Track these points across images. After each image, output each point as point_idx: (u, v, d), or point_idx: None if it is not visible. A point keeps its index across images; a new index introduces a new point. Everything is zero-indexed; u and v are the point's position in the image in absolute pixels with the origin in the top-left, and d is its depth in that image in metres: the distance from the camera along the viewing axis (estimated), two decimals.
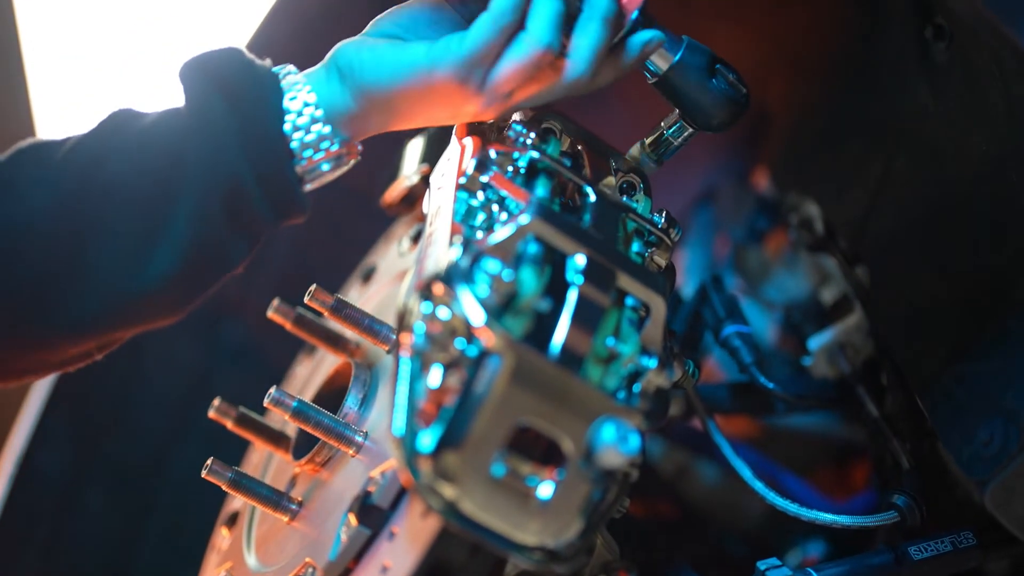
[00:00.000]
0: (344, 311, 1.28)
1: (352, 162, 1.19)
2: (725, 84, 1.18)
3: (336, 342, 1.39)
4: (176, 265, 1.12)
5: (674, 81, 1.19)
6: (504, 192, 1.12)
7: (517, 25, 1.13)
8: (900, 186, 1.41)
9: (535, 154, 1.16)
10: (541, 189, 1.15)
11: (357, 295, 1.53)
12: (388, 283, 1.46)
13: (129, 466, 1.90)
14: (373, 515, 1.10)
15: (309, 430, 1.22)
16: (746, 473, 1.35)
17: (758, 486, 1.34)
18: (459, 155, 1.18)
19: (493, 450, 0.98)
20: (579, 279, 1.05)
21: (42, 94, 1.95)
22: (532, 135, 1.18)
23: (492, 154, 1.16)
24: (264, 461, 1.46)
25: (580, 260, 1.06)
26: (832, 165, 1.57)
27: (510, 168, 1.16)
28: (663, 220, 1.19)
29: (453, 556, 1.04)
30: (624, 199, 1.21)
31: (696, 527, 1.57)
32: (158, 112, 1.15)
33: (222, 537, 1.44)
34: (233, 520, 1.44)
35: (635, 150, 1.25)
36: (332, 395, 1.37)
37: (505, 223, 1.09)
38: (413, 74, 1.14)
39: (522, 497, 0.99)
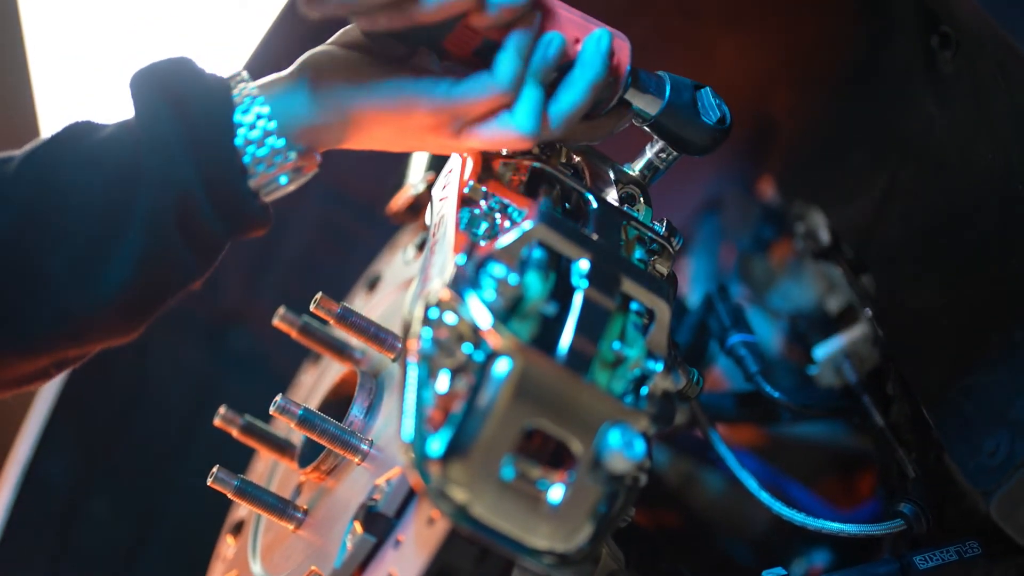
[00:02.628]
0: (350, 319, 1.28)
1: (311, 173, 1.16)
2: (711, 117, 1.19)
3: (342, 350, 1.39)
4: (128, 281, 1.09)
5: (663, 122, 1.19)
6: (507, 200, 1.13)
7: (509, 100, 1.12)
8: (906, 195, 1.41)
9: (537, 163, 1.16)
10: (544, 197, 1.15)
11: (362, 303, 1.53)
12: (393, 291, 1.46)
13: (135, 474, 1.91)
14: (378, 523, 1.10)
15: (315, 438, 1.22)
16: (751, 483, 1.35)
17: (763, 496, 1.33)
18: (462, 165, 1.19)
19: (502, 454, 0.98)
20: (584, 283, 1.05)
21: (46, 93, 1.96)
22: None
23: (495, 164, 1.17)
24: (269, 469, 1.46)
25: (584, 264, 1.06)
26: (838, 174, 1.57)
27: (513, 177, 1.16)
28: (664, 229, 1.20)
29: (459, 564, 1.04)
30: (625, 208, 1.21)
31: (701, 536, 1.57)
32: (112, 124, 1.12)
33: (227, 545, 1.44)
34: (238, 528, 1.44)
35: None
36: (337, 403, 1.37)
37: (509, 229, 1.09)
38: (394, 99, 1.12)
39: (532, 500, 1.00)
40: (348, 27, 1.17)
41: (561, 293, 1.05)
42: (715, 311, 1.50)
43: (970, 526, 1.31)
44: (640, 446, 1.00)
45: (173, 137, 1.09)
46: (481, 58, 1.13)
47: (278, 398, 1.22)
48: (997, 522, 1.19)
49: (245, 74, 1.15)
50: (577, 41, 1.13)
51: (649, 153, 1.24)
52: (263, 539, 1.37)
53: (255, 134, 1.11)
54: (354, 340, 1.34)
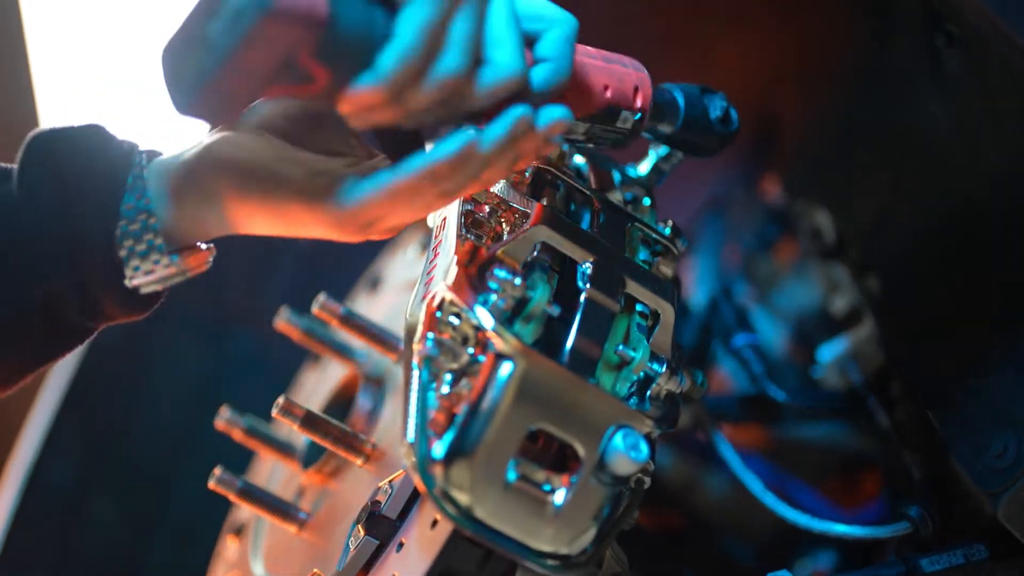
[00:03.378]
0: (352, 320, 1.27)
1: (201, 271, 1.07)
2: (722, 122, 1.17)
3: (344, 351, 1.39)
4: None
5: (678, 136, 1.17)
6: (511, 202, 1.12)
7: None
8: (912, 195, 1.40)
9: (540, 164, 1.16)
10: (547, 198, 1.14)
11: (364, 303, 1.52)
12: (396, 291, 1.46)
13: (137, 475, 1.90)
14: (381, 525, 1.09)
15: (317, 440, 1.22)
16: (756, 485, 1.34)
17: (768, 499, 1.33)
18: None
19: (506, 456, 0.98)
20: (588, 285, 1.05)
21: (45, 80, 1.95)
22: None
23: None
24: (271, 471, 1.46)
25: (588, 267, 1.06)
26: (843, 173, 1.57)
27: (516, 178, 1.16)
28: (669, 230, 1.19)
29: (462, 567, 1.04)
30: (630, 209, 1.21)
31: (705, 538, 1.57)
32: (7, 178, 1.04)
33: (229, 546, 1.44)
34: (240, 530, 1.43)
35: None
36: (340, 405, 1.36)
37: (513, 231, 1.09)
38: (280, 204, 1.02)
39: (536, 503, 0.99)
40: (258, 106, 1.07)
41: (565, 295, 1.05)
42: (719, 312, 1.50)
43: (977, 528, 1.30)
44: (644, 448, 1.00)
45: (49, 224, 1.02)
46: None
47: (280, 400, 1.22)
48: (1005, 524, 1.18)
49: (151, 154, 1.05)
50: (607, 88, 1.08)
51: (654, 156, 1.23)
52: (265, 540, 1.36)
53: (134, 228, 1.03)
54: (356, 341, 1.34)
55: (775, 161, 1.74)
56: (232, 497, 1.26)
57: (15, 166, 1.04)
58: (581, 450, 1.00)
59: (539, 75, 0.99)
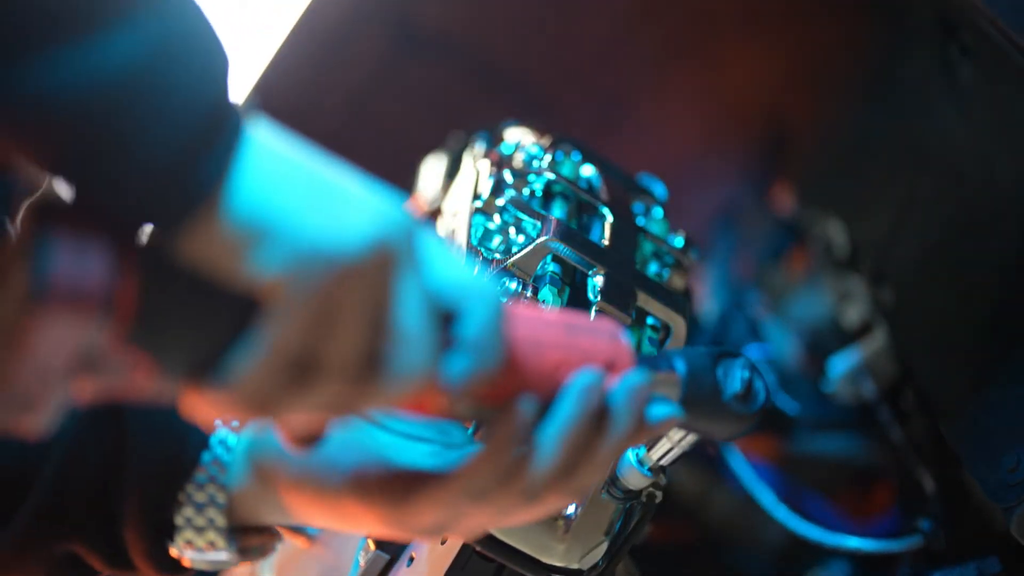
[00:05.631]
0: None
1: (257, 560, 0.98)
2: (742, 401, 0.91)
3: None
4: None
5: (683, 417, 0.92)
6: (521, 214, 1.12)
7: None
8: (925, 206, 1.40)
9: (551, 176, 1.15)
10: (558, 210, 1.14)
11: None
12: None
13: None
14: (392, 540, 1.09)
15: None
16: (768, 499, 1.34)
17: (780, 513, 1.32)
18: (474, 179, 1.18)
19: None
20: (599, 297, 1.04)
21: None
22: (547, 157, 1.17)
23: (508, 177, 1.15)
24: None
25: (599, 279, 1.05)
26: (856, 184, 1.56)
27: (526, 191, 1.15)
28: (680, 242, 1.19)
29: None
30: (640, 220, 1.20)
31: (716, 552, 1.56)
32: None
33: None
34: None
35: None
36: None
37: (523, 244, 1.08)
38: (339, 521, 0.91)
39: (548, 518, 0.99)
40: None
41: (576, 308, 1.04)
42: (731, 324, 1.49)
43: (990, 542, 1.29)
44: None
45: (103, 466, 0.92)
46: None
47: None
48: (1018, 539, 1.18)
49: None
50: (560, 367, 0.84)
51: (666, 443, 1.00)
52: (276, 554, 1.36)
53: (200, 498, 0.93)
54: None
55: (788, 171, 1.73)
56: None
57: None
58: None
59: (454, 367, 0.77)
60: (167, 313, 0.71)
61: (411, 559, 1.07)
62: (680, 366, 0.89)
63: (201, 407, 0.73)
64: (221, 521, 0.92)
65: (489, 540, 0.98)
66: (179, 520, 0.92)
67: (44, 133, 0.63)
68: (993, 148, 1.28)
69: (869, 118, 1.53)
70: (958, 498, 1.33)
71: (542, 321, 0.86)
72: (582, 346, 0.85)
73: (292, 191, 0.70)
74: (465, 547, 1.01)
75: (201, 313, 0.71)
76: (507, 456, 0.82)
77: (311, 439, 0.80)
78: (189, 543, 0.93)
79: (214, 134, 0.67)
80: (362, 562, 1.11)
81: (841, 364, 1.54)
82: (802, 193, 1.70)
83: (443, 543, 1.03)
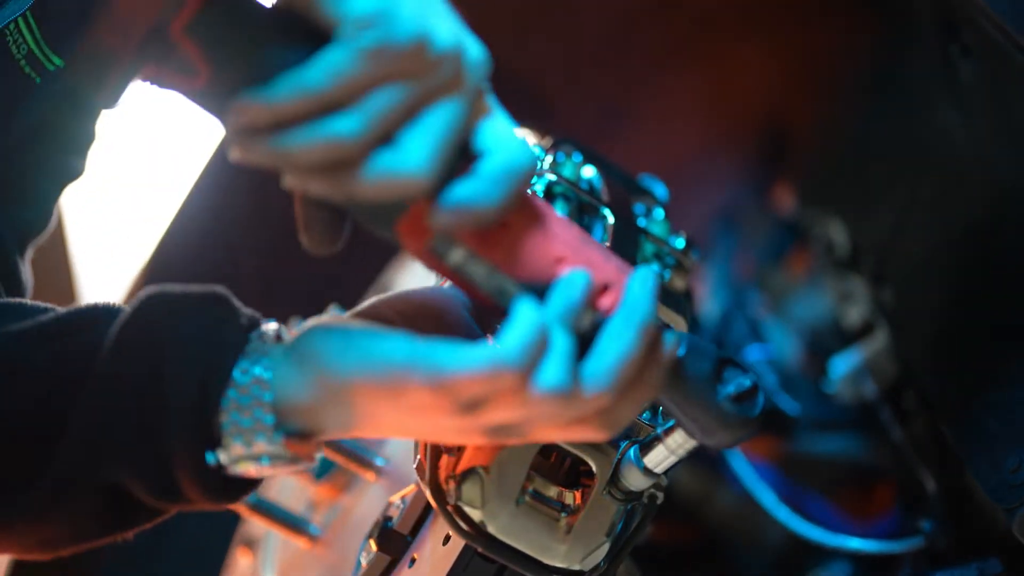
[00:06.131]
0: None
1: (303, 468, 0.90)
2: (736, 402, 0.90)
3: None
4: (40, 515, 0.89)
5: (670, 395, 0.91)
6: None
7: (520, 380, 0.83)
8: (927, 206, 1.40)
9: (552, 177, 1.15)
10: (559, 211, 1.14)
11: None
12: None
13: None
14: (393, 541, 1.09)
15: (330, 455, 1.21)
16: (769, 499, 1.34)
17: (781, 513, 1.33)
18: None
19: (519, 472, 0.98)
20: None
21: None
22: (548, 158, 1.17)
23: None
24: (281, 483, 1.46)
25: None
26: (857, 184, 1.56)
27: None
28: (681, 243, 1.19)
29: None
30: (641, 221, 1.20)
31: (718, 552, 1.56)
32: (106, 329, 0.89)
33: (240, 561, 1.44)
34: (252, 544, 1.43)
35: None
36: None
37: None
38: (382, 371, 0.84)
39: (549, 520, 0.99)
40: (374, 298, 0.98)
41: None
42: (732, 325, 1.49)
43: (991, 542, 1.29)
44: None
45: (134, 382, 0.87)
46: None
47: None
48: (1020, 539, 1.18)
49: (274, 329, 0.91)
50: (560, 261, 0.86)
51: (663, 451, 0.98)
52: (277, 555, 1.36)
53: (243, 396, 0.87)
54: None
55: (788, 171, 1.73)
56: (244, 512, 1.26)
57: (115, 320, 0.89)
58: (594, 465, 0.99)
59: (452, 190, 0.82)
60: (235, 25, 0.80)
61: (413, 560, 1.07)
62: (681, 347, 0.89)
63: (233, 121, 0.80)
64: (269, 419, 0.86)
65: (491, 541, 0.98)
66: (225, 422, 0.86)
67: None
68: (994, 148, 1.28)
69: (870, 119, 1.53)
70: (959, 499, 1.33)
71: (564, 220, 0.88)
72: (589, 256, 0.86)
73: None
74: (467, 548, 1.01)
75: (265, 36, 0.80)
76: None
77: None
78: (236, 443, 0.86)
79: None
80: (364, 563, 1.11)
81: (842, 364, 1.54)
82: (803, 193, 1.70)
83: (445, 542, 1.04)
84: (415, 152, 0.80)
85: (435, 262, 0.86)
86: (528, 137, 1.24)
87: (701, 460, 1.54)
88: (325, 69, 0.79)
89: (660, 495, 1.02)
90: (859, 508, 1.55)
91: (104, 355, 0.88)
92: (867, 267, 1.54)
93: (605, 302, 0.86)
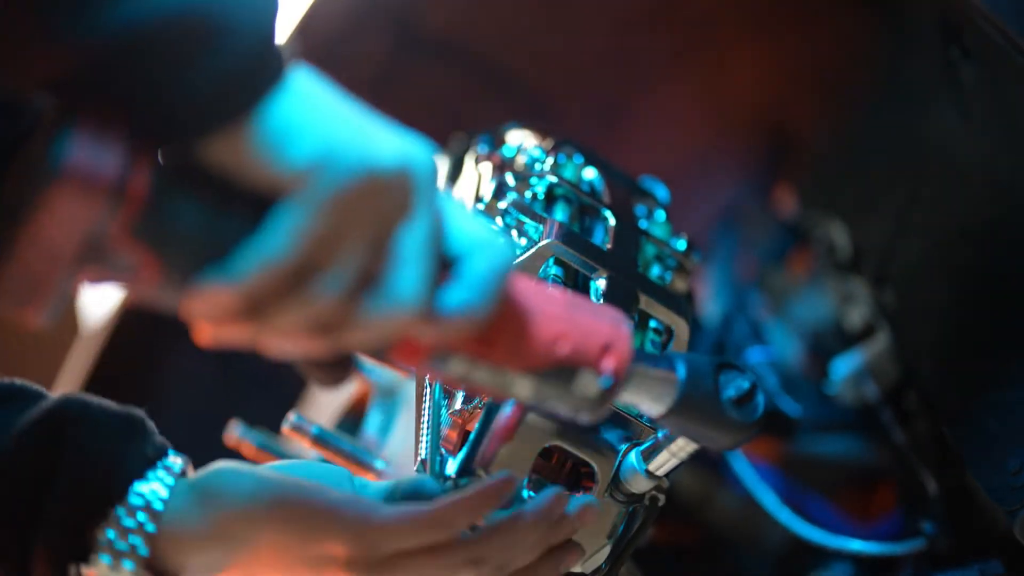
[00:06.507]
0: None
1: None
2: (737, 406, 0.91)
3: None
4: None
5: (675, 420, 0.92)
6: (523, 217, 1.12)
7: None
8: (928, 208, 1.40)
9: (553, 179, 1.15)
10: (560, 213, 1.14)
11: None
12: None
13: None
14: None
15: (329, 456, 1.21)
16: (770, 501, 1.33)
17: (783, 515, 1.32)
18: (476, 181, 1.18)
19: (521, 473, 0.97)
20: (601, 300, 1.04)
21: None
22: (549, 160, 1.17)
23: (510, 180, 1.15)
24: None
25: (601, 282, 1.05)
26: (858, 186, 1.56)
27: (528, 193, 1.15)
28: (682, 245, 1.19)
29: None
30: (643, 223, 1.20)
31: (719, 554, 1.56)
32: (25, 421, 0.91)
33: None
34: None
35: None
36: (351, 421, 1.36)
37: (525, 247, 1.08)
38: (297, 512, 0.91)
39: None
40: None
41: None
42: (733, 326, 1.49)
43: (992, 544, 1.29)
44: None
45: (32, 479, 0.89)
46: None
47: (292, 416, 1.21)
48: (1021, 541, 1.18)
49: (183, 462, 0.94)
50: (558, 340, 0.84)
51: (667, 455, 1.00)
52: None
53: (128, 522, 0.89)
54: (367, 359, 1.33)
55: (789, 173, 1.73)
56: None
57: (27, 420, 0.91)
58: (596, 467, 0.99)
59: (442, 305, 0.78)
60: (176, 210, 0.72)
61: None
62: (680, 368, 0.89)
63: (199, 308, 0.74)
64: (143, 551, 0.88)
65: None
66: (101, 538, 0.88)
67: (103, 56, 0.67)
68: (995, 150, 1.28)
69: (871, 120, 1.53)
70: (961, 500, 1.33)
71: (547, 293, 0.86)
72: (583, 324, 0.85)
73: (331, 111, 0.75)
74: None
75: (211, 213, 0.73)
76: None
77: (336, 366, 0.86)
78: (101, 567, 0.88)
79: (261, 58, 0.72)
80: None
81: (844, 366, 1.54)
82: (804, 195, 1.70)
83: None
84: (405, 284, 0.76)
85: (435, 375, 0.85)
86: (528, 138, 1.24)
87: (702, 461, 1.54)
88: (288, 234, 0.72)
89: (662, 497, 1.02)
90: (860, 510, 1.54)
91: (7, 440, 0.90)
92: (868, 268, 1.54)
93: (608, 365, 0.85)
